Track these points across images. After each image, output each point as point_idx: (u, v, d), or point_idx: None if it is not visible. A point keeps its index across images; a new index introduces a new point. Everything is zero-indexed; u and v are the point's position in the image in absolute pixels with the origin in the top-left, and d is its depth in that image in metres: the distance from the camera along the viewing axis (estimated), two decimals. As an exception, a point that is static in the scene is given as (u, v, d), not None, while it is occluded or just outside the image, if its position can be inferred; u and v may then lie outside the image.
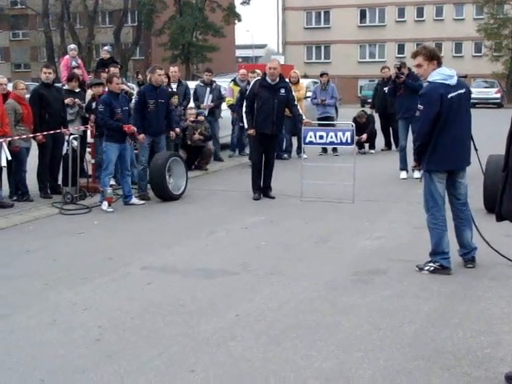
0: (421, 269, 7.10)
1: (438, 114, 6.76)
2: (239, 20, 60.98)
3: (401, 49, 62.55)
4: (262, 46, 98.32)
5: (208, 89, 16.18)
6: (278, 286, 6.70)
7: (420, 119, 6.94)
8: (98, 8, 59.75)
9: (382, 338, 5.31)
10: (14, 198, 11.44)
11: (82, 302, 6.39)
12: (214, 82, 16.70)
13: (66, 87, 13.00)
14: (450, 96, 6.76)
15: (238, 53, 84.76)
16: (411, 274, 7.02)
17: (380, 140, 18.37)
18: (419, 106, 6.88)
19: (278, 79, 11.40)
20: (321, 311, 5.98)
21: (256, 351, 5.11)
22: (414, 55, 7.00)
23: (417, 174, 13.12)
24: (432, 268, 7.05)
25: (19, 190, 11.53)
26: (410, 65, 14.13)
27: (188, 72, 54.51)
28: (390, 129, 17.92)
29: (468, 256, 7.29)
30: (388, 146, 18.43)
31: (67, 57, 16.43)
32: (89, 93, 13.03)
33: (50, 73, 11.93)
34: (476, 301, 6.19)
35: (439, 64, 6.91)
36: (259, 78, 11.96)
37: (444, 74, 6.84)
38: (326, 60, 63.46)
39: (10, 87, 11.87)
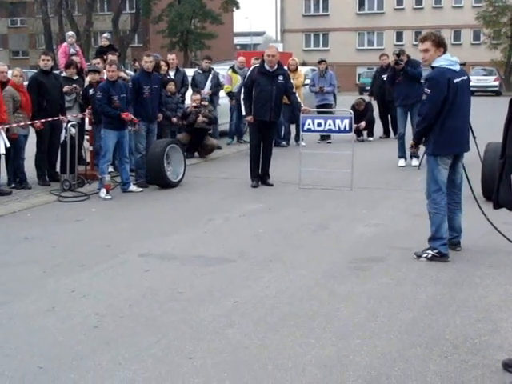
0: (419, 256, 7.11)
1: (445, 98, 6.86)
2: (237, 7, 60.77)
3: (399, 36, 62.43)
4: (261, 34, 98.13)
5: (207, 75, 16.15)
6: (276, 274, 6.71)
7: (426, 102, 6.98)
8: (96, -5, 59.56)
9: (380, 326, 5.32)
10: (12, 185, 11.43)
11: (80, 289, 6.39)
12: (213, 69, 16.67)
13: (64, 74, 12.97)
14: (455, 81, 6.88)
15: (237, 40, 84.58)
16: (409, 262, 7.03)
17: (378, 127, 18.36)
18: (426, 89, 6.96)
19: (276, 66, 11.37)
20: (319, 299, 5.98)
21: (254, 338, 5.12)
22: (423, 40, 7.03)
23: (415, 162, 13.15)
24: (430, 255, 7.06)
25: (17, 178, 11.52)
26: (409, 52, 14.16)
27: (186, 59, 54.37)
28: (389, 116, 17.91)
29: (457, 239, 7.42)
30: (386, 133, 18.41)
31: (65, 44, 16.37)
32: (87, 80, 12.99)
33: (48, 60, 11.90)
34: (474, 288, 6.20)
35: (445, 51, 7.01)
36: (257, 65, 11.93)
37: (450, 59, 6.96)
38: (325, 48, 63.33)
39: (9, 75, 11.83)
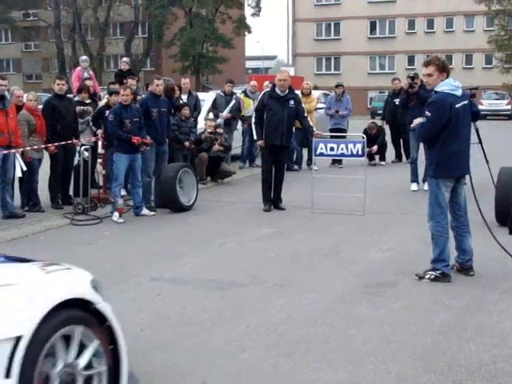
0: (421, 277, 7.16)
1: (447, 122, 6.95)
2: (249, 32, 61.22)
3: (411, 60, 62.51)
4: (272, 58, 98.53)
5: (229, 99, 16.17)
6: (288, 298, 6.69)
7: (425, 124, 7.15)
8: (109, 20, 60.13)
9: (393, 351, 5.29)
10: (26, 208, 11.49)
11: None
12: (235, 93, 16.69)
13: (76, 98, 13.07)
14: (457, 106, 6.99)
15: (248, 64, 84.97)
16: (421, 287, 6.99)
17: (390, 152, 18.34)
18: (427, 112, 7.08)
19: (287, 91, 11.40)
20: (331, 323, 5.96)
21: (266, 363, 5.10)
22: (427, 64, 7.14)
23: (427, 186, 13.10)
24: (433, 276, 7.09)
25: (31, 201, 11.57)
26: (421, 76, 14.15)
27: (198, 83, 54.67)
28: (401, 140, 17.89)
29: (469, 263, 7.40)
30: (398, 157, 18.39)
31: (79, 68, 16.52)
32: (102, 102, 13.08)
33: (63, 84, 12.00)
34: (488, 314, 6.16)
35: (447, 76, 7.12)
36: (268, 89, 11.97)
37: (452, 84, 7.06)
38: (336, 71, 63.49)
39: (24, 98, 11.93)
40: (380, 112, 24.98)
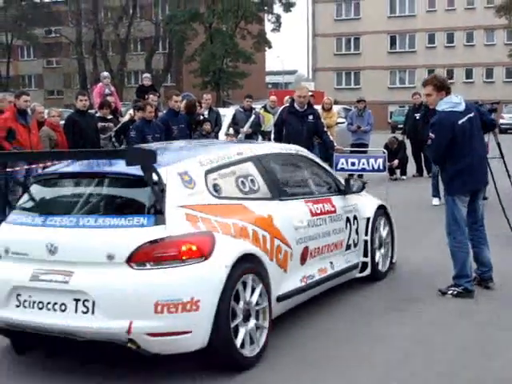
0: (444, 293, 7.10)
1: (452, 141, 6.91)
2: (270, 47, 61.37)
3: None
4: (292, 72, 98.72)
5: (248, 114, 16.20)
6: (312, 314, 6.66)
7: (431, 147, 7.13)
8: (130, 36, 60.59)
9: (417, 367, 5.26)
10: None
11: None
12: (254, 108, 16.73)
13: (98, 114, 13.16)
14: (460, 122, 6.91)
15: (268, 79, 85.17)
16: (446, 302, 6.95)
17: (411, 166, 18.29)
18: (431, 134, 7.02)
19: (306, 106, 11.40)
20: (355, 339, 5.94)
21: (287, 380, 5.09)
22: (425, 84, 7.17)
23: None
24: (455, 292, 7.03)
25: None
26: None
27: (218, 98, 54.88)
28: (422, 155, 17.85)
29: (488, 274, 7.37)
30: (419, 172, 18.33)
31: (101, 84, 16.62)
32: (126, 117, 13.15)
33: (86, 100, 12.09)
34: (511, 330, 6.10)
35: (447, 93, 7.07)
36: (287, 104, 11.98)
37: (451, 102, 6.99)
38: (356, 86, 63.52)
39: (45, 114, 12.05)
40: (400, 126, 24.92)
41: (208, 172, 5.63)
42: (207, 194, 5.51)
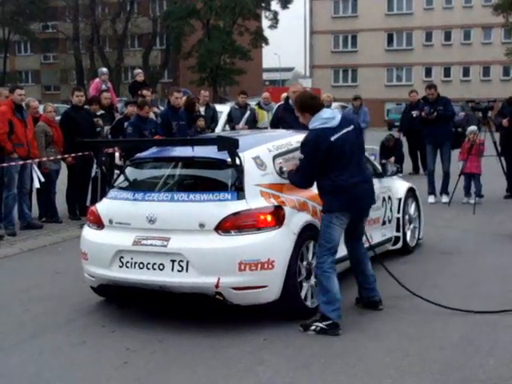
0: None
1: (325, 159, 6.14)
2: (266, 43, 61.36)
3: (428, 72, 62.50)
4: (290, 69, 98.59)
5: (243, 111, 16.16)
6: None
7: (300, 169, 6.36)
8: (127, 31, 60.50)
9: (411, 365, 5.26)
10: (43, 219, 11.56)
11: (111, 323, 6.42)
12: (249, 105, 16.68)
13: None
14: (333, 139, 6.13)
15: (265, 76, 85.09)
16: (439, 300, 6.94)
17: (408, 164, 18.28)
18: (300, 154, 6.35)
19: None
20: (348, 336, 5.94)
21: (284, 376, 5.09)
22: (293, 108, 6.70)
23: (445, 199, 13.10)
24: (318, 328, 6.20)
25: (48, 212, 11.64)
26: (439, 88, 14.13)
27: (215, 95, 54.85)
28: (418, 153, 17.86)
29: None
30: (416, 170, 18.34)
31: (98, 80, 16.54)
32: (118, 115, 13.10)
33: (82, 96, 12.07)
34: (506, 328, 6.10)
35: (315, 112, 6.28)
36: (282, 102, 11.97)
37: (321, 118, 6.22)
38: (353, 83, 63.54)
39: (40, 109, 12.00)
40: (397, 124, 24.92)
41: (275, 157, 6.74)
42: (275, 174, 6.59)
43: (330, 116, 6.26)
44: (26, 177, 10.84)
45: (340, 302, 6.17)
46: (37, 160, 10.94)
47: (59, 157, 11.59)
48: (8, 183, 10.53)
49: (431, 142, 13.56)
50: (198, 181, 6.73)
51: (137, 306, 6.94)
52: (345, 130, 6.22)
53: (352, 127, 6.32)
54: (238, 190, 6.18)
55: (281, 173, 6.63)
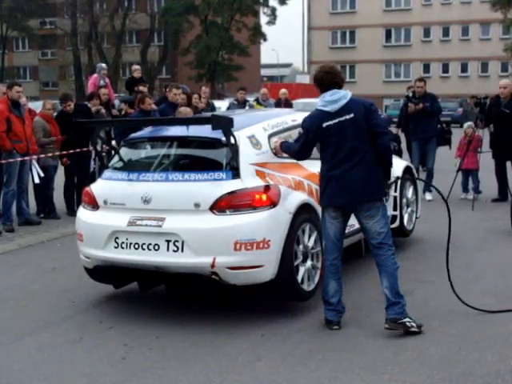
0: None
1: (317, 142, 6.01)
2: (265, 40, 61.22)
3: (426, 68, 62.50)
4: (288, 66, 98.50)
5: (242, 107, 16.14)
6: (304, 306, 6.66)
7: (296, 140, 6.28)
8: (125, 28, 60.40)
9: (409, 360, 5.26)
10: (42, 215, 11.55)
11: (108, 320, 6.42)
12: (248, 101, 16.68)
13: (88, 106, 13.05)
14: (325, 125, 5.86)
15: (264, 72, 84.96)
16: (437, 296, 6.96)
17: (406, 159, 18.21)
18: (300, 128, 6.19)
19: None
20: (346, 332, 5.94)
21: (282, 372, 5.09)
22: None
23: (428, 196, 12.90)
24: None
25: (46, 208, 11.63)
26: (437, 84, 14.07)
27: (213, 91, 54.78)
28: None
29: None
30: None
31: (95, 75, 16.51)
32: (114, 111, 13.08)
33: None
34: (504, 324, 6.10)
35: (323, 89, 5.99)
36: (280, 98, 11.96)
37: (324, 99, 5.94)
38: (352, 79, 63.40)
39: (39, 105, 11.97)
40: (395, 120, 24.88)
41: (270, 136, 6.75)
42: (270, 154, 6.61)
43: (332, 99, 5.86)
44: (25, 173, 10.85)
45: (334, 306, 6.08)
46: (35, 156, 10.93)
47: (57, 153, 11.58)
48: (7, 180, 10.53)
49: (417, 139, 13.59)
50: (193, 160, 6.67)
51: (134, 301, 6.94)
52: (342, 118, 5.82)
53: (352, 115, 5.82)
54: (233, 169, 6.18)
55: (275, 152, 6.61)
